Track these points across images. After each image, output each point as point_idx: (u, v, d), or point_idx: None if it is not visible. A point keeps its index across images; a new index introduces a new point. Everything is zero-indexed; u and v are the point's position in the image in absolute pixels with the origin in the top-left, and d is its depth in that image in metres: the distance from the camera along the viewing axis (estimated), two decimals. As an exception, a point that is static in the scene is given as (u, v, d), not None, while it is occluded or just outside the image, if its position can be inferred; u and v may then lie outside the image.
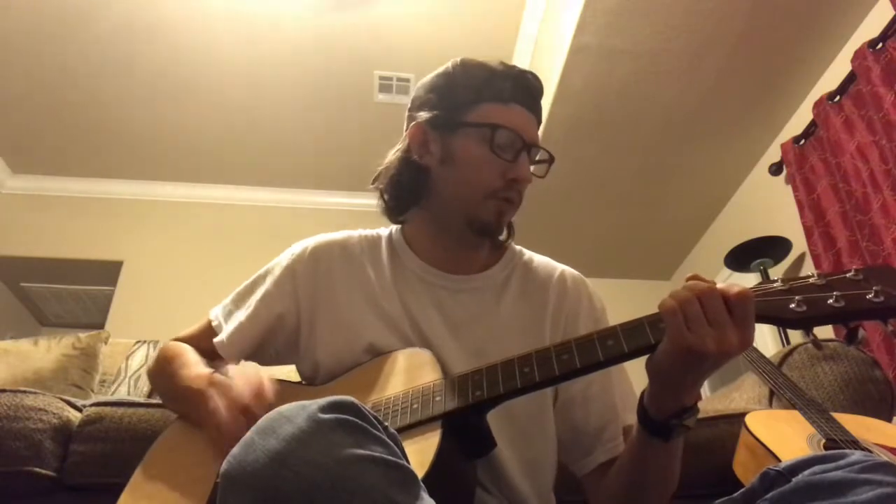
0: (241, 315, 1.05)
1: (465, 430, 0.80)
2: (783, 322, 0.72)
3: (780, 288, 0.73)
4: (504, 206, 1.00)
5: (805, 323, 0.71)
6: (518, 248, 1.13)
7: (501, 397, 0.79)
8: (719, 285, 0.71)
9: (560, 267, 1.10)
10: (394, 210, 1.09)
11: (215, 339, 1.04)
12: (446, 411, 0.78)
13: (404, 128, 1.08)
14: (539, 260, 1.11)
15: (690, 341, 0.69)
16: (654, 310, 0.76)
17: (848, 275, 0.71)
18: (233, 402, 0.85)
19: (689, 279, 0.74)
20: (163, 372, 1.02)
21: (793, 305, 0.71)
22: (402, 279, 1.04)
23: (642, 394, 0.80)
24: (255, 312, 1.04)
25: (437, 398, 0.80)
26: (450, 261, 1.05)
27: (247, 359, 1.07)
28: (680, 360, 0.71)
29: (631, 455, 0.85)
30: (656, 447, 0.80)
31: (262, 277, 1.08)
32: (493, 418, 0.83)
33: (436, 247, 1.06)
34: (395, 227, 1.13)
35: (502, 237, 1.08)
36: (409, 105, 1.09)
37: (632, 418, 0.88)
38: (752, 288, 0.74)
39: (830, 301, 0.70)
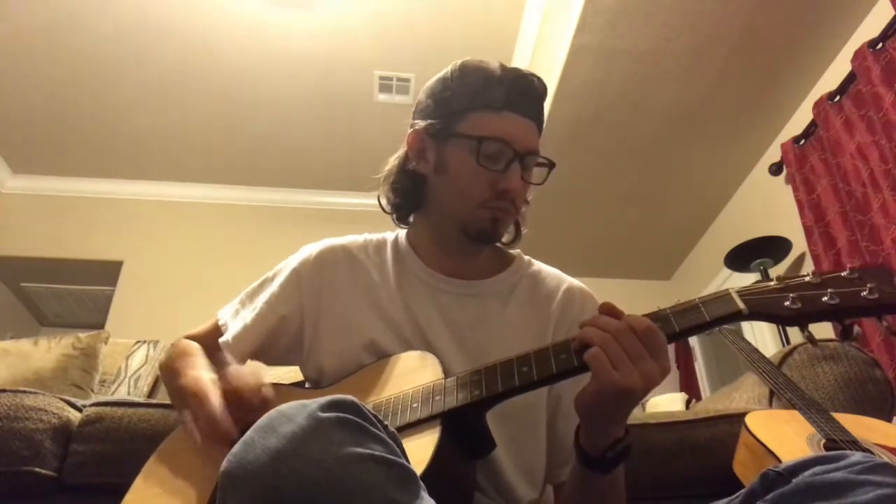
0: (246, 316, 1.07)
1: (464, 429, 0.80)
2: (778, 319, 0.73)
3: (775, 286, 0.74)
4: (497, 213, 0.99)
5: (799, 319, 0.73)
6: (527, 258, 1.12)
7: (500, 396, 0.79)
8: (625, 318, 0.73)
9: (568, 279, 1.09)
10: (395, 215, 1.10)
11: (221, 339, 1.06)
12: (445, 410, 0.78)
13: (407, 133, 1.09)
14: (547, 271, 1.11)
15: (618, 379, 0.70)
16: (653, 310, 0.77)
17: (843, 273, 0.73)
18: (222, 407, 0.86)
19: (601, 310, 0.76)
20: (168, 370, 1.04)
21: (787, 303, 0.72)
22: (406, 283, 1.04)
23: (577, 432, 0.81)
24: (260, 314, 1.05)
25: (437, 398, 0.81)
26: (453, 266, 1.05)
27: (252, 358, 1.08)
28: (611, 399, 0.72)
29: (576, 486, 0.86)
30: (598, 479, 0.81)
31: (270, 280, 1.10)
32: (492, 420, 0.84)
33: (439, 252, 1.06)
34: (400, 232, 1.14)
35: (507, 240, 1.08)
36: (413, 108, 1.09)
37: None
38: (747, 286, 0.76)
39: (825, 298, 0.71)
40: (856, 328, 0.73)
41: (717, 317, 0.73)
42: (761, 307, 0.73)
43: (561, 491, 0.96)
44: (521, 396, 0.80)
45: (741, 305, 0.73)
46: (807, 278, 0.73)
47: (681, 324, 0.75)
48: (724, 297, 0.75)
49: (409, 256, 1.08)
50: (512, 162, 0.97)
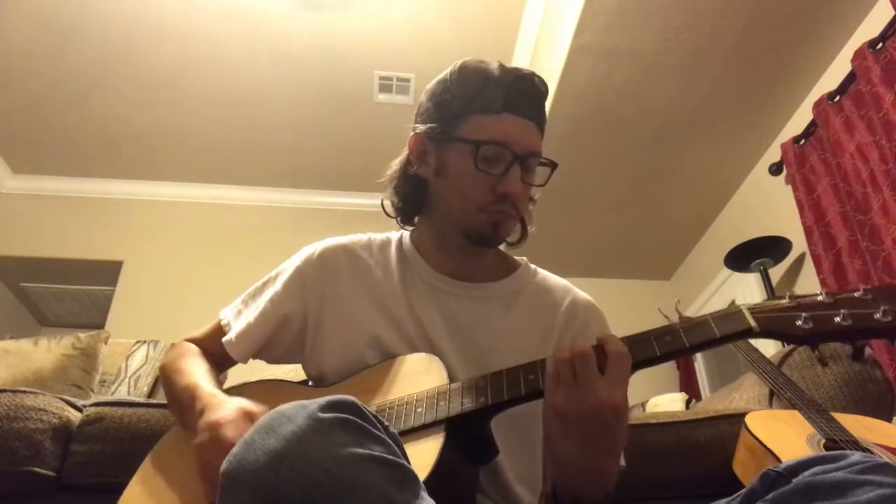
0: (249, 315, 1.07)
1: (468, 435, 0.80)
2: (789, 338, 0.72)
3: (787, 304, 0.74)
4: (498, 217, 0.98)
5: (811, 339, 0.72)
6: (533, 266, 1.12)
7: (505, 404, 0.79)
8: (602, 336, 0.74)
9: (574, 291, 1.09)
10: (399, 218, 1.11)
11: (224, 339, 1.07)
12: (450, 416, 0.78)
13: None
14: (554, 281, 1.10)
15: (557, 401, 0.71)
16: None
17: (856, 294, 0.72)
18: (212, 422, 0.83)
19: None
20: (165, 375, 1.04)
21: (799, 322, 0.72)
22: (410, 283, 1.05)
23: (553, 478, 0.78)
24: (263, 313, 1.05)
25: (442, 403, 0.80)
26: (457, 268, 1.05)
27: (254, 357, 1.08)
28: (558, 424, 0.72)
29: None
30: None
31: (273, 279, 1.10)
32: (496, 426, 0.83)
33: (442, 254, 1.06)
34: (405, 232, 1.14)
35: (513, 240, 1.07)
36: (415, 110, 1.09)
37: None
38: (759, 303, 0.75)
39: (837, 319, 0.70)
40: (867, 350, 0.73)
41: (728, 334, 0.73)
42: (773, 326, 0.72)
43: None
44: (522, 405, 0.80)
45: (752, 323, 0.73)
46: (819, 297, 0.73)
47: (690, 339, 0.75)
48: (735, 314, 0.75)
49: (413, 257, 1.08)
50: (512, 165, 0.96)
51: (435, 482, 0.66)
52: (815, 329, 0.71)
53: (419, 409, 0.81)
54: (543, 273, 1.12)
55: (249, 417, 0.82)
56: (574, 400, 0.70)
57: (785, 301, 0.74)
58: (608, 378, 0.71)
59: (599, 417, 0.69)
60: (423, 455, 0.73)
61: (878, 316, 0.69)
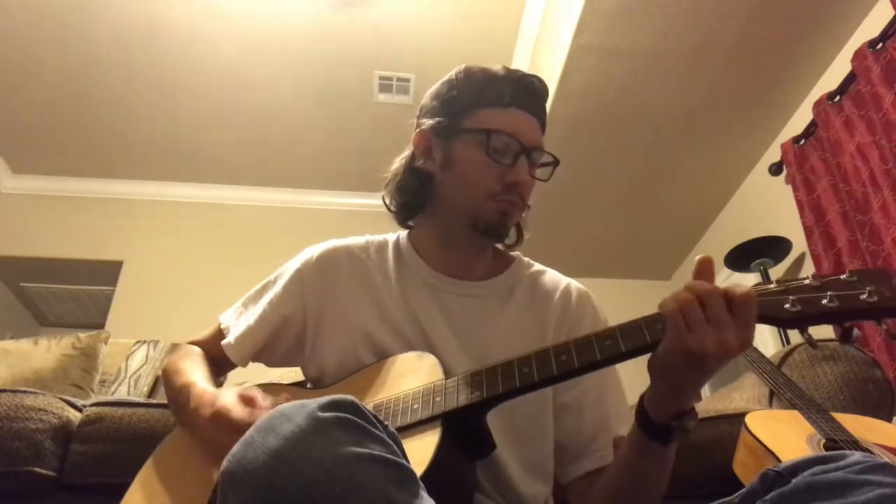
0: (249, 318, 1.07)
1: (464, 430, 0.80)
2: (778, 321, 0.73)
3: (775, 289, 0.75)
4: (506, 206, 1.00)
5: (799, 322, 0.73)
6: (526, 259, 1.14)
7: (500, 397, 0.79)
8: (723, 285, 0.72)
9: (566, 280, 1.10)
10: (400, 215, 1.11)
11: (223, 342, 1.07)
12: (446, 411, 0.79)
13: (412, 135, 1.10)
14: (547, 272, 1.12)
15: (690, 342, 0.69)
16: (653, 310, 0.77)
17: (842, 276, 0.73)
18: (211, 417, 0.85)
19: (696, 267, 0.74)
20: (165, 376, 1.05)
21: (787, 305, 0.72)
22: (407, 284, 1.05)
23: (642, 396, 0.80)
24: (263, 315, 1.06)
25: (438, 399, 0.81)
26: (456, 266, 1.06)
27: (254, 360, 1.08)
28: (681, 360, 0.71)
29: (625, 461, 0.85)
30: (652, 452, 0.80)
31: (272, 282, 1.10)
32: (494, 420, 0.84)
33: (442, 252, 1.07)
34: (402, 233, 1.15)
35: (510, 241, 1.08)
36: (417, 112, 1.11)
37: (623, 430, 0.90)
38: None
39: (824, 301, 0.71)
40: (855, 330, 0.73)
41: None
42: (761, 310, 0.73)
43: (578, 486, 0.96)
44: (519, 397, 0.80)
45: None
46: (806, 281, 0.74)
47: None
48: None
49: (411, 257, 1.08)
50: (519, 156, 0.99)
51: (432, 478, 0.66)
52: (802, 312, 0.72)
53: (415, 406, 0.81)
54: (537, 265, 1.13)
55: (248, 402, 0.83)
56: (710, 342, 0.68)
57: (773, 286, 0.75)
58: (738, 319, 0.70)
59: (725, 356, 0.70)
60: (419, 451, 0.73)
61: (863, 297, 0.70)
